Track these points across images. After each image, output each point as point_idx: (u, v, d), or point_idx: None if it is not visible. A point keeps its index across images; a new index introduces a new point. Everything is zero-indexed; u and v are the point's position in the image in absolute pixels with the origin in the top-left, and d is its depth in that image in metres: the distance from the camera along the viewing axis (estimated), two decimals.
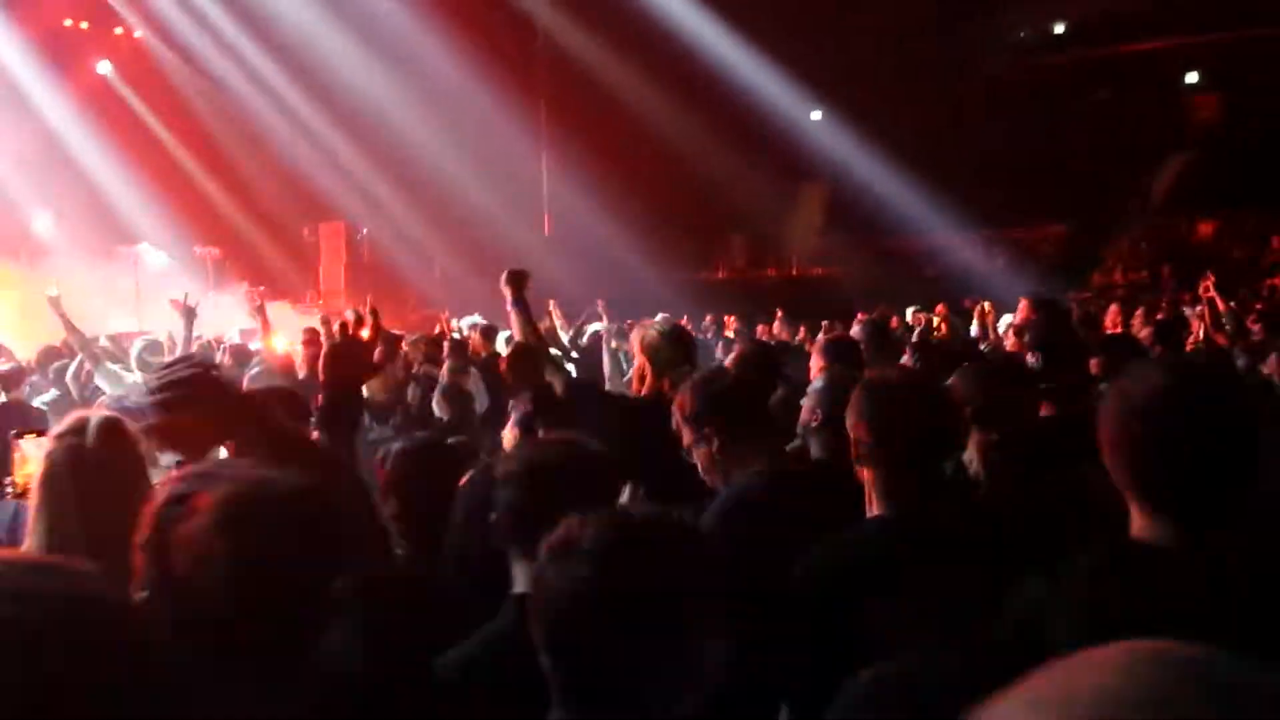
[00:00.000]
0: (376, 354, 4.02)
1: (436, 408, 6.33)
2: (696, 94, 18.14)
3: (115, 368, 6.35)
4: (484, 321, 10.00)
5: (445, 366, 7.31)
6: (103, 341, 7.48)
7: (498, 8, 17.69)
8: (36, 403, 6.91)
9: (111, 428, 2.27)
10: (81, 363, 6.88)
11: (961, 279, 16.30)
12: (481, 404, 7.10)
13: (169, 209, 16.90)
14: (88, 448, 2.23)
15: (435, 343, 8.53)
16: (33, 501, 2.24)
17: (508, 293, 3.81)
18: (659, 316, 11.68)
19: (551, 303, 10.85)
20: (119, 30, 19.16)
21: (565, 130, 18.14)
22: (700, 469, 2.78)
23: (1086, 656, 0.66)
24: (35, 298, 15.02)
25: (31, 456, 2.60)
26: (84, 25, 18.56)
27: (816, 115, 19.66)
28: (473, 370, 7.48)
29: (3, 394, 6.37)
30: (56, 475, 2.22)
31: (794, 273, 20.09)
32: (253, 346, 8.05)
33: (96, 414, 2.32)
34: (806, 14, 17.84)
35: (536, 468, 2.19)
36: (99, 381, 6.28)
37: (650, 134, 18.43)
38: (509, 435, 4.14)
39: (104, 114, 17.40)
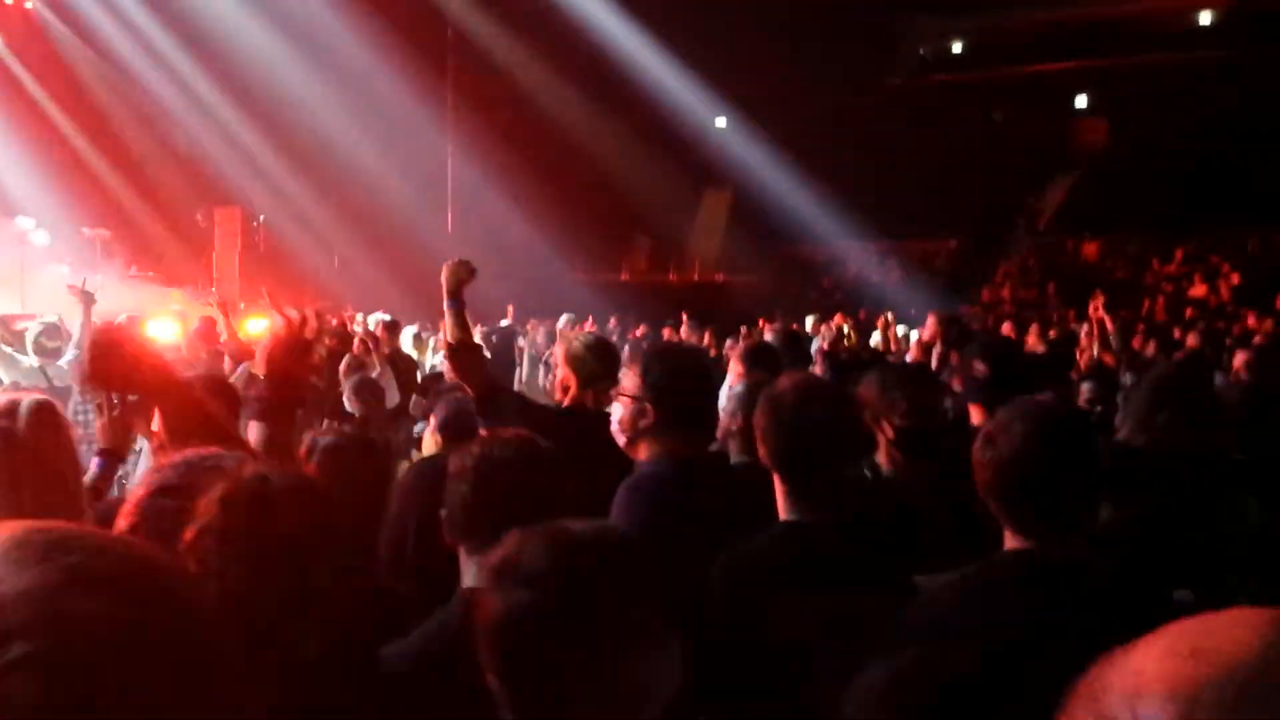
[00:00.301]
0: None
1: (347, 402, 6.25)
2: (606, 95, 18.20)
3: (8, 350, 6.12)
4: (389, 317, 9.89)
5: (351, 361, 7.23)
6: None
7: (414, 6, 17.46)
8: None
9: (43, 410, 2.22)
10: None
11: (856, 289, 16.69)
12: (391, 399, 7.06)
13: (55, 186, 16.25)
14: (18, 431, 2.18)
15: (341, 336, 8.42)
16: None
17: (449, 288, 3.70)
18: (564, 316, 11.79)
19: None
20: None
21: (473, 125, 18.01)
22: (615, 424, 2.79)
23: (1226, 618, 0.68)
24: None
25: None
26: None
27: (722, 122, 19.89)
28: (383, 366, 7.41)
29: None
30: None
31: (695, 278, 20.27)
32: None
33: (27, 397, 2.26)
34: (715, 21, 18.04)
35: (490, 464, 2.20)
36: None
37: (558, 132, 18.42)
38: (430, 439, 4.12)
39: None
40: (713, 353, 9.47)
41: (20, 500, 2.14)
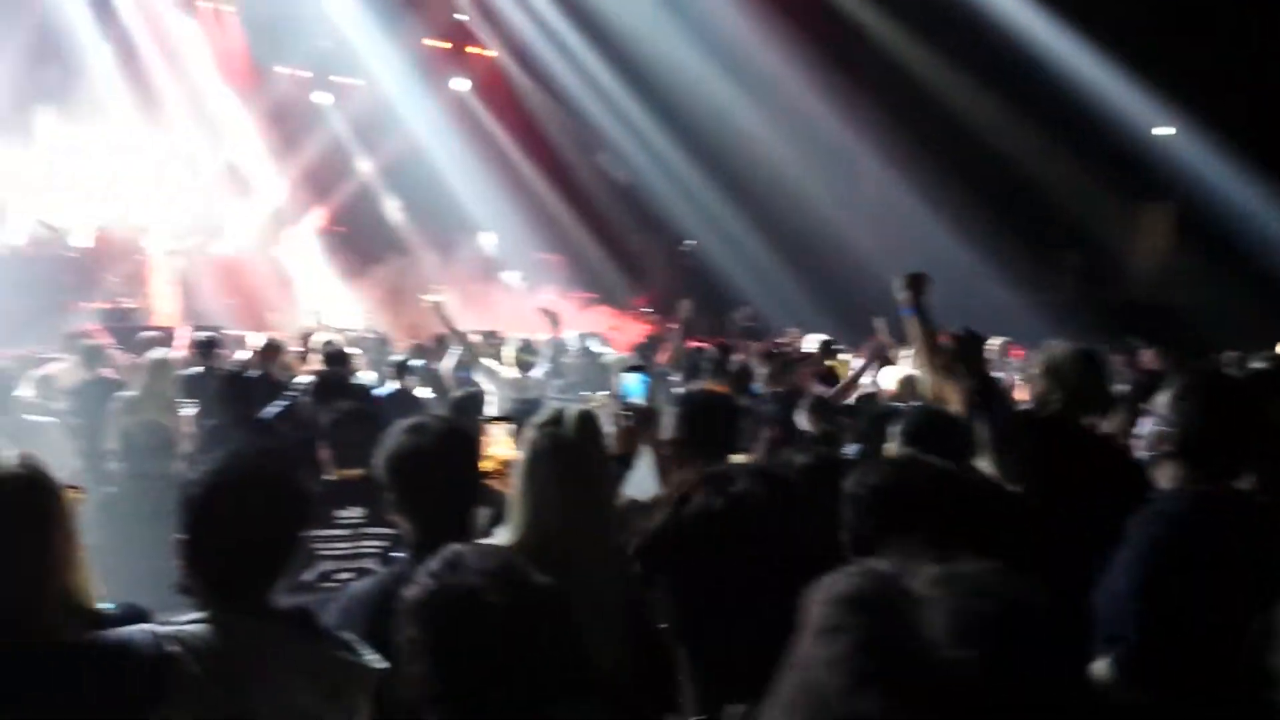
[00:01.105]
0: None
1: (804, 422, 6.35)
2: (1032, 102, 17.28)
3: (492, 364, 6.85)
4: (827, 337, 10.05)
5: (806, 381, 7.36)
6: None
7: (829, 18, 17.62)
8: (416, 393, 7.58)
9: (587, 419, 2.46)
10: (458, 359, 7.49)
11: None
12: None
13: (514, 216, 18.06)
14: (567, 437, 2.42)
15: (783, 357, 8.66)
16: (513, 486, 2.46)
17: (905, 297, 3.78)
18: (996, 339, 11.34)
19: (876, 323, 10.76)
20: (475, 50, 20.77)
21: (892, 137, 17.81)
22: (1150, 457, 2.68)
23: None
24: (402, 289, 16.48)
25: (498, 440, 2.85)
26: (445, 45, 20.28)
27: (1165, 130, 18.31)
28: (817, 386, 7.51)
29: (395, 383, 7.00)
30: (539, 462, 2.42)
31: (1135, 297, 18.77)
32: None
33: (572, 406, 2.51)
34: (1156, 20, 16.64)
35: (875, 489, 2.20)
36: (477, 377, 6.79)
37: (981, 143, 17.70)
38: (893, 448, 4.13)
39: (461, 128, 18.86)
40: None
41: (564, 497, 2.38)
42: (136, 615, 2.06)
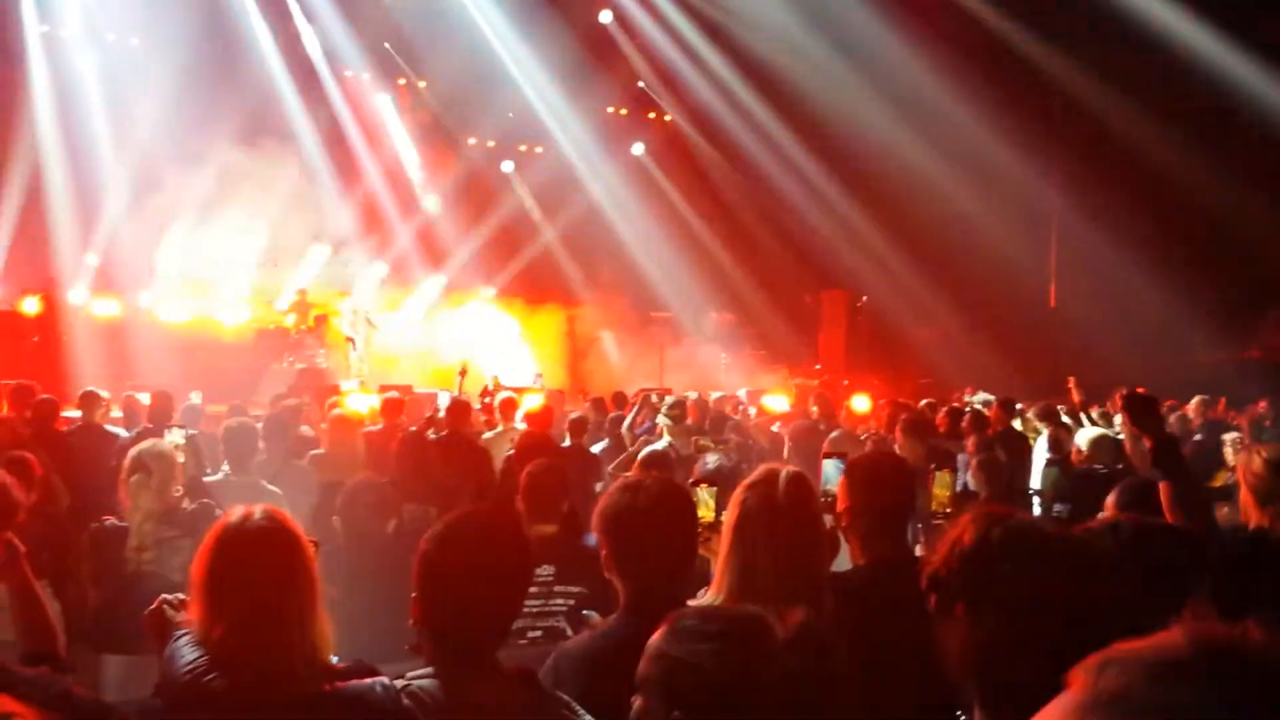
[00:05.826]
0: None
1: (971, 481, 6.21)
2: (1231, 148, 16.31)
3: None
4: (993, 397, 9.74)
5: (972, 440, 7.19)
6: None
7: (1015, 69, 17.16)
8: (595, 450, 7.72)
9: (799, 480, 2.44)
10: (636, 416, 7.62)
11: None
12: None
13: (689, 278, 18.24)
14: (778, 498, 2.41)
15: (955, 414, 8.44)
16: (723, 545, 2.46)
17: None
18: (1195, 399, 10.77)
19: (1071, 380, 10.35)
20: (653, 115, 21.24)
21: (1081, 193, 17.15)
22: None
23: None
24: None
25: (701, 500, 2.86)
26: (623, 112, 20.82)
27: None
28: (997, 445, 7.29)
29: (568, 440, 7.15)
30: (749, 521, 2.40)
31: None
32: None
33: (786, 468, 2.50)
34: None
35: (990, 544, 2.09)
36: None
37: (1176, 195, 16.80)
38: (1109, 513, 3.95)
39: (637, 191, 19.24)
40: None
41: (774, 558, 2.37)
42: (365, 670, 2.12)
